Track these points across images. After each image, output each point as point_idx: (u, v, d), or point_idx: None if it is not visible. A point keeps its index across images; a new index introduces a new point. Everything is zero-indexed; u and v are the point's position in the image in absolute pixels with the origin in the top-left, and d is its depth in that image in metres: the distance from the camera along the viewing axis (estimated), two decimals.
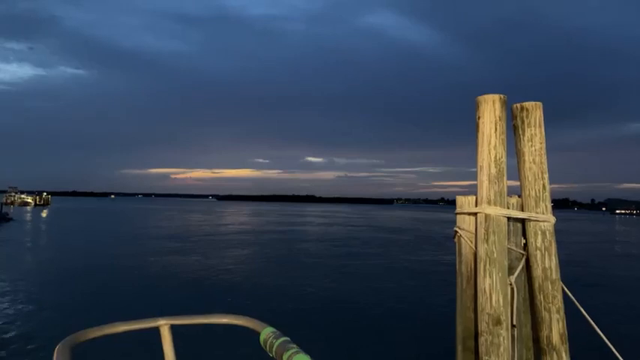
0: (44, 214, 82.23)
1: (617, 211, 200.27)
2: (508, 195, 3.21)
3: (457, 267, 3.38)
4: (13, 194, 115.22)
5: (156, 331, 1.78)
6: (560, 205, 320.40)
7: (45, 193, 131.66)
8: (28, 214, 78.28)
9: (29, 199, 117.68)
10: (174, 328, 1.81)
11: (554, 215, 3.18)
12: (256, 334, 1.72)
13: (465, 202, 3.35)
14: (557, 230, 3.24)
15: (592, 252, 37.74)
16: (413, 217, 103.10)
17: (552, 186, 3.24)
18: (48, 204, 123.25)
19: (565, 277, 3.18)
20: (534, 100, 3.27)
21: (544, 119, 3.24)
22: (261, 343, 1.68)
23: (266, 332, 1.68)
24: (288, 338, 1.60)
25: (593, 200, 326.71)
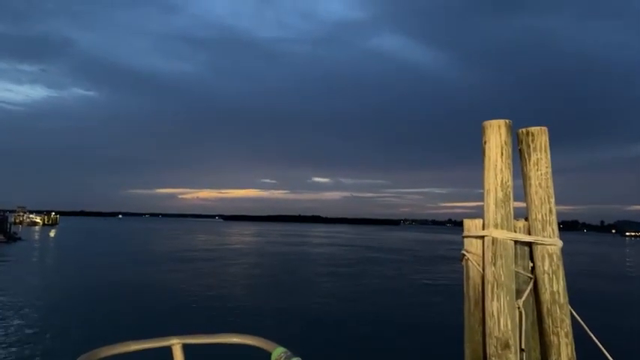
0: (52, 233, 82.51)
1: (627, 234, 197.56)
2: (515, 217, 3.24)
3: (465, 290, 3.39)
4: (21, 214, 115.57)
5: (168, 350, 1.82)
6: (569, 227, 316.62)
7: (53, 213, 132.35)
8: (37, 234, 78.65)
9: (37, 219, 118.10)
10: (185, 348, 1.84)
11: (562, 237, 3.19)
12: (267, 354, 1.75)
13: (472, 226, 3.38)
14: (567, 253, 3.25)
15: (602, 275, 37.20)
16: (421, 239, 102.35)
17: (561, 207, 3.28)
18: (56, 223, 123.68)
19: (574, 301, 3.17)
20: (540, 125, 3.32)
21: (549, 143, 3.29)
22: None
23: (277, 352, 1.71)
24: (300, 358, 1.63)
25: (602, 222, 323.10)
